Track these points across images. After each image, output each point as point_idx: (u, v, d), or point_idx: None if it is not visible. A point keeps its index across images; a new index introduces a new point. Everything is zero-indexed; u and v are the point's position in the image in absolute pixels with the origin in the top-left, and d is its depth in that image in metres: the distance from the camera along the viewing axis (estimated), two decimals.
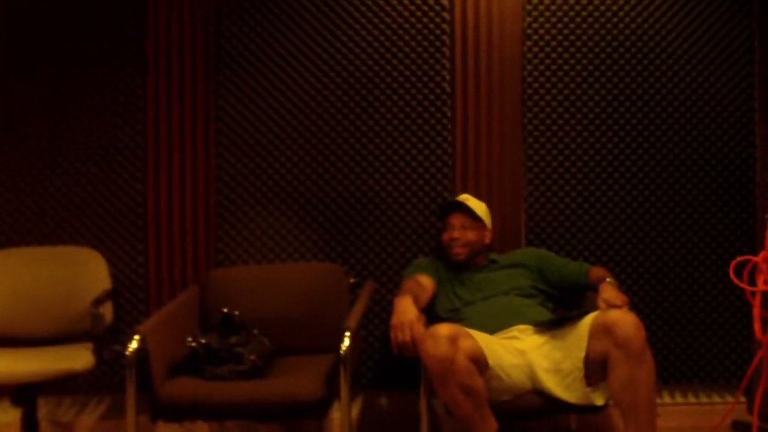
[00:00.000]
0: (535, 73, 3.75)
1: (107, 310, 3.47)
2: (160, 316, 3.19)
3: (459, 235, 3.41)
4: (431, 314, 3.27)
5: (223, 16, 3.74)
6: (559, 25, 3.74)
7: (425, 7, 3.73)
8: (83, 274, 3.62)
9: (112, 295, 3.57)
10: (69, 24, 3.76)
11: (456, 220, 3.45)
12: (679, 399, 3.84)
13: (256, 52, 3.75)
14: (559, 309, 3.38)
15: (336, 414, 3.41)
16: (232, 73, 3.75)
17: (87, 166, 3.76)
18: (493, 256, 3.50)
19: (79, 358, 3.24)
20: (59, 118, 3.75)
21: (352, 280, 3.64)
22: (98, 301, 3.40)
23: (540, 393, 2.87)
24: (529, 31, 3.74)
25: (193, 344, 3.05)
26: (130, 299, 3.74)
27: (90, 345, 3.32)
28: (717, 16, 3.75)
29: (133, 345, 2.86)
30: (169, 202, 3.77)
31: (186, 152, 3.77)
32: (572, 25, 3.75)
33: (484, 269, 3.43)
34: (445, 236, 3.46)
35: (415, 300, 3.01)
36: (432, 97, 3.74)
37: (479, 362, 2.76)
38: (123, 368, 2.93)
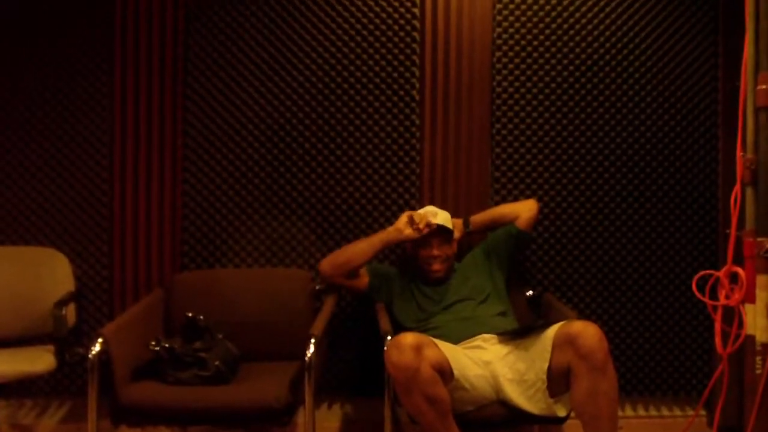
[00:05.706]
0: (504, 84, 3.76)
1: (70, 312, 3.45)
2: (123, 319, 3.17)
3: (439, 252, 3.37)
4: (397, 325, 3.27)
5: (191, 19, 3.72)
6: (529, 36, 3.76)
7: (396, 15, 3.73)
8: (46, 275, 3.58)
9: (76, 297, 3.54)
10: (35, 25, 3.71)
11: (435, 237, 3.38)
12: (641, 411, 3.87)
13: (224, 57, 3.73)
14: (525, 319, 3.40)
15: (301, 420, 3.41)
16: (200, 75, 3.73)
17: (51, 165, 3.72)
18: (455, 265, 3.50)
19: (40, 361, 3.22)
20: (23, 117, 3.71)
21: (318, 287, 3.62)
22: (61, 303, 3.37)
23: (503, 403, 2.88)
24: (498, 41, 3.75)
25: (157, 348, 3.02)
26: (93, 301, 3.70)
27: (51, 347, 3.30)
28: (683, 32, 3.78)
29: (96, 348, 2.83)
30: (134, 204, 3.75)
31: (152, 154, 3.75)
32: (542, 37, 3.76)
33: (446, 279, 3.43)
34: (423, 252, 3.40)
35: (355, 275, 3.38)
36: (401, 104, 3.74)
37: (444, 372, 2.75)
38: (85, 371, 2.92)
